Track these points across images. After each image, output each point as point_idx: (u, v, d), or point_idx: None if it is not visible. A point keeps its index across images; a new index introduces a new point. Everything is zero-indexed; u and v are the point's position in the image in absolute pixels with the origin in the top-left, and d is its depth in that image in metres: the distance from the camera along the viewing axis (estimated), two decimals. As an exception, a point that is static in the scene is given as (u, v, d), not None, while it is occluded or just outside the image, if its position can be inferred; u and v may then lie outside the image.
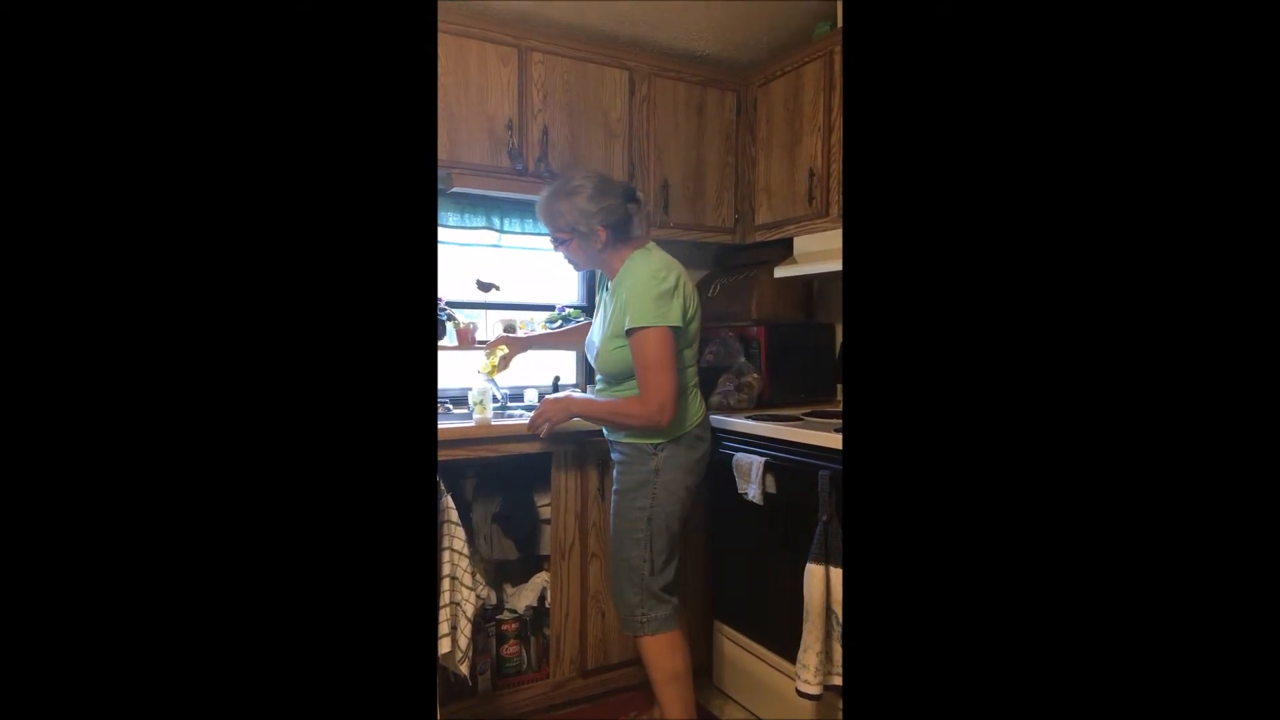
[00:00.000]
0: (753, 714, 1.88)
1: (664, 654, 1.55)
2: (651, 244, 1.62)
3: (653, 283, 1.49)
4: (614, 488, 1.61)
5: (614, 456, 1.63)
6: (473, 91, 1.91)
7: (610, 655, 1.95)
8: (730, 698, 1.97)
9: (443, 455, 1.70)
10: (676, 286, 1.51)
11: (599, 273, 1.71)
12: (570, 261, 1.66)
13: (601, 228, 1.55)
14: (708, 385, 2.10)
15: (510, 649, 1.90)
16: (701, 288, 2.50)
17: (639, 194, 1.63)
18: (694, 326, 1.57)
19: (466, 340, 2.07)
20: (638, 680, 1.96)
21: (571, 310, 2.27)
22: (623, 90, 2.12)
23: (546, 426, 1.63)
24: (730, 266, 2.47)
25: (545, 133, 2.01)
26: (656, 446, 1.55)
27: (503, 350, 1.94)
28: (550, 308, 2.29)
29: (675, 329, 1.49)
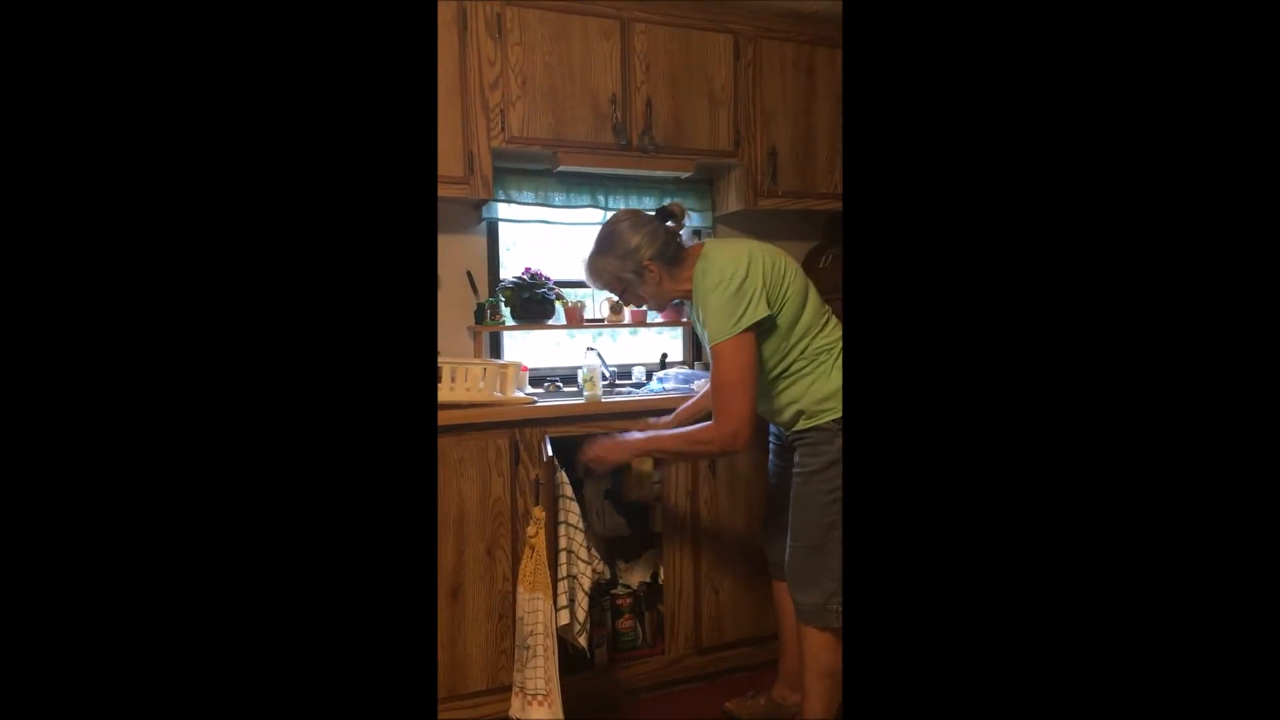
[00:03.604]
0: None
1: (830, 649, 1.46)
2: (708, 241, 1.51)
3: (720, 287, 1.38)
4: (795, 471, 1.49)
5: (795, 443, 1.51)
6: (576, 68, 1.90)
7: (725, 634, 1.93)
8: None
9: (555, 432, 1.73)
10: (748, 275, 1.38)
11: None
12: (647, 309, 1.56)
13: (649, 261, 1.46)
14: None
15: (625, 623, 1.92)
16: (812, 258, 2.39)
17: (672, 207, 1.52)
18: (791, 298, 1.43)
19: (575, 319, 2.08)
20: (755, 660, 1.93)
21: (678, 286, 2.24)
22: (727, 55, 2.05)
23: (599, 468, 1.55)
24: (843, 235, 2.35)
25: (649, 105, 1.97)
26: (838, 422, 1.42)
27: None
28: (657, 284, 2.27)
29: (760, 323, 1.38)
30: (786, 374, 1.46)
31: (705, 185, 2.29)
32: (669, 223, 1.51)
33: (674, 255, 1.48)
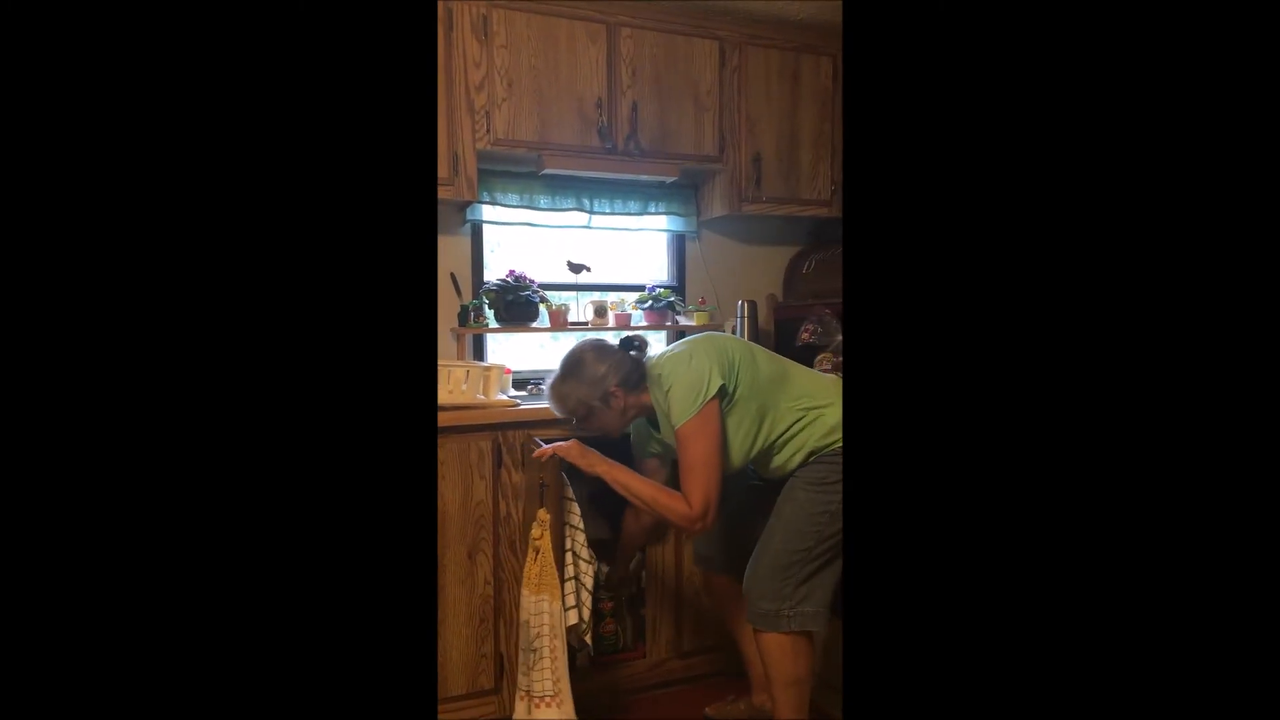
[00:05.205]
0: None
1: (791, 655, 1.47)
2: (649, 361, 1.54)
3: (676, 378, 1.43)
4: (792, 480, 1.50)
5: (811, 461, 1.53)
6: (562, 72, 1.90)
7: (707, 638, 1.93)
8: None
9: (541, 435, 1.73)
10: (693, 357, 1.44)
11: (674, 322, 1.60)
12: (604, 432, 1.57)
13: (615, 388, 1.49)
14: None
15: (607, 627, 1.91)
16: (796, 263, 2.41)
17: (635, 339, 1.56)
18: (742, 363, 1.46)
19: (559, 322, 2.08)
20: (736, 665, 1.93)
21: (662, 290, 2.24)
22: (713, 61, 2.06)
23: (550, 458, 1.54)
24: (827, 240, 2.37)
25: (634, 109, 1.98)
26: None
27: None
28: (640, 288, 2.27)
29: (718, 396, 1.41)
30: (787, 432, 1.48)
31: (690, 190, 2.30)
32: (632, 351, 1.54)
33: (636, 381, 1.52)
